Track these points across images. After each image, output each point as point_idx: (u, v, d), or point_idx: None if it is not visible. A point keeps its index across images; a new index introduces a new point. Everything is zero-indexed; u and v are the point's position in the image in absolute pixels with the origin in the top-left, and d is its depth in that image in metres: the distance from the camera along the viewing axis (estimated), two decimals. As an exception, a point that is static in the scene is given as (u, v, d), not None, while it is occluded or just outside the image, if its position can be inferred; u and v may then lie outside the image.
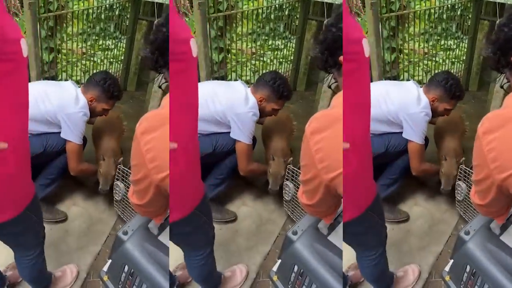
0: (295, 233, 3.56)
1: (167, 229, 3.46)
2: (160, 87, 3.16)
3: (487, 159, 2.90)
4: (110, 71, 4.68)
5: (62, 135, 4.11)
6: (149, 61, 3.13)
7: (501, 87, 3.12)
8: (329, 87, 3.24)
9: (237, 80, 4.46)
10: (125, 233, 3.54)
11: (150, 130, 3.10)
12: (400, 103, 4.06)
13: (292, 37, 4.62)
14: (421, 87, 4.13)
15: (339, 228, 3.50)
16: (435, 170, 4.19)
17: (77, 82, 4.52)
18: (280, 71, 4.64)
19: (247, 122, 4.10)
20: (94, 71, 4.62)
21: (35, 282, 3.81)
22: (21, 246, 3.50)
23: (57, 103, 4.05)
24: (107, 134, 4.29)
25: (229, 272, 3.98)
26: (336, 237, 3.51)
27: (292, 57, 4.63)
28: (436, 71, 4.57)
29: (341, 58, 3.00)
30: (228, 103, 4.06)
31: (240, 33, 4.46)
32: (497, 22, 3.09)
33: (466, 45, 4.58)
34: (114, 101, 4.25)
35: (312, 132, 3.08)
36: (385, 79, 4.54)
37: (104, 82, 4.20)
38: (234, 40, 4.47)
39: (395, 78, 4.53)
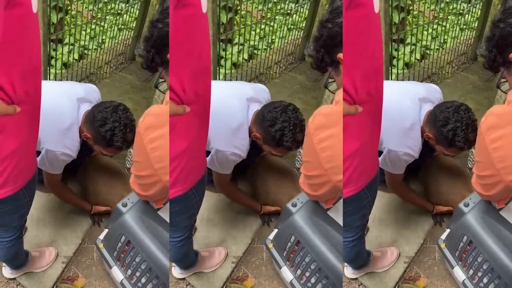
0: (294, 205, 3.54)
1: (167, 204, 3.40)
2: (156, 87, 2.99)
3: (492, 158, 2.86)
4: (120, 38, 4.27)
5: (38, 164, 3.36)
6: (143, 60, 2.95)
7: (498, 87, 3.02)
8: (326, 87, 3.09)
9: (243, 44, 4.22)
10: (125, 205, 3.50)
11: (156, 127, 2.93)
12: (384, 129, 3.18)
13: (306, 1, 4.38)
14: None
15: (339, 204, 3.46)
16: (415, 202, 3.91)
17: (84, 48, 4.24)
18: (288, 39, 4.34)
19: (225, 162, 3.53)
20: (102, 38, 4.21)
21: (8, 262, 3.73)
22: (2, 226, 3.29)
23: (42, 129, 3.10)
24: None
25: (206, 252, 3.84)
26: (335, 212, 3.48)
27: (303, 24, 4.40)
28: (444, 38, 4.38)
29: (339, 55, 2.84)
30: (214, 128, 3.23)
31: (250, -7, 4.27)
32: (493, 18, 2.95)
33: (479, 11, 4.42)
34: (115, 150, 3.45)
35: (317, 128, 2.96)
36: (391, 42, 4.36)
37: (101, 125, 3.35)
38: (243, 0, 4.26)
39: (402, 41, 4.39)
